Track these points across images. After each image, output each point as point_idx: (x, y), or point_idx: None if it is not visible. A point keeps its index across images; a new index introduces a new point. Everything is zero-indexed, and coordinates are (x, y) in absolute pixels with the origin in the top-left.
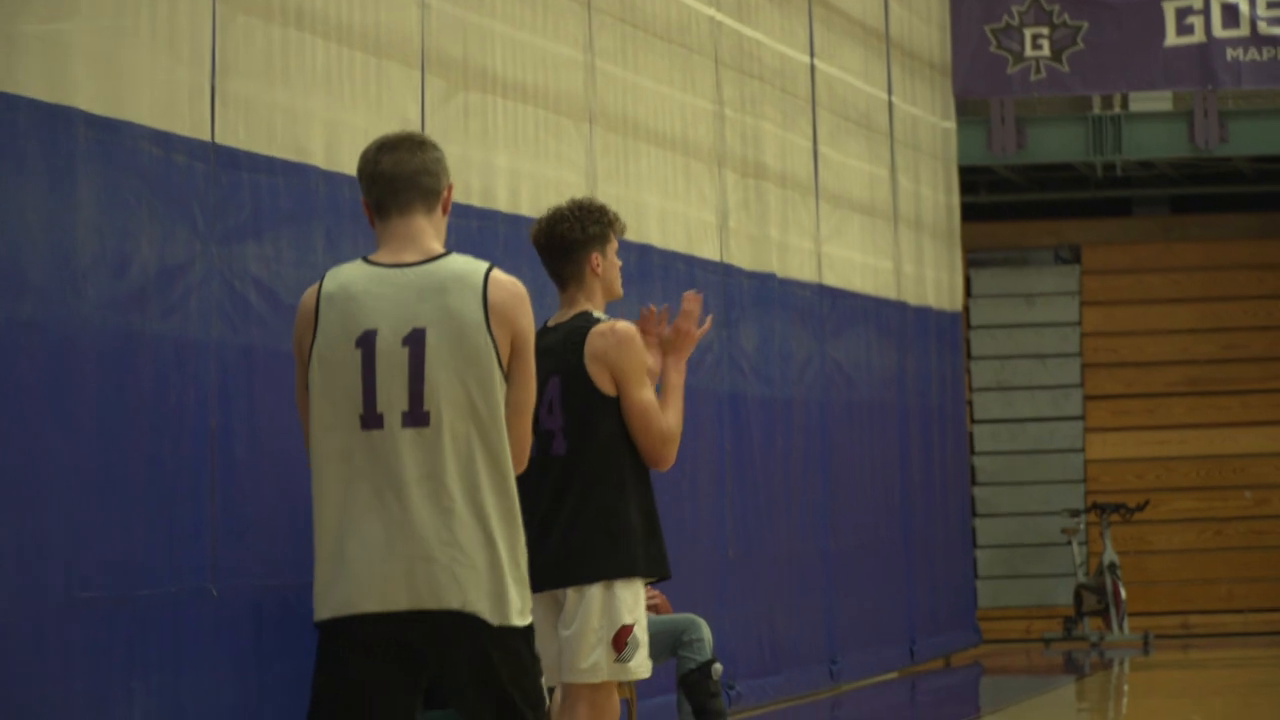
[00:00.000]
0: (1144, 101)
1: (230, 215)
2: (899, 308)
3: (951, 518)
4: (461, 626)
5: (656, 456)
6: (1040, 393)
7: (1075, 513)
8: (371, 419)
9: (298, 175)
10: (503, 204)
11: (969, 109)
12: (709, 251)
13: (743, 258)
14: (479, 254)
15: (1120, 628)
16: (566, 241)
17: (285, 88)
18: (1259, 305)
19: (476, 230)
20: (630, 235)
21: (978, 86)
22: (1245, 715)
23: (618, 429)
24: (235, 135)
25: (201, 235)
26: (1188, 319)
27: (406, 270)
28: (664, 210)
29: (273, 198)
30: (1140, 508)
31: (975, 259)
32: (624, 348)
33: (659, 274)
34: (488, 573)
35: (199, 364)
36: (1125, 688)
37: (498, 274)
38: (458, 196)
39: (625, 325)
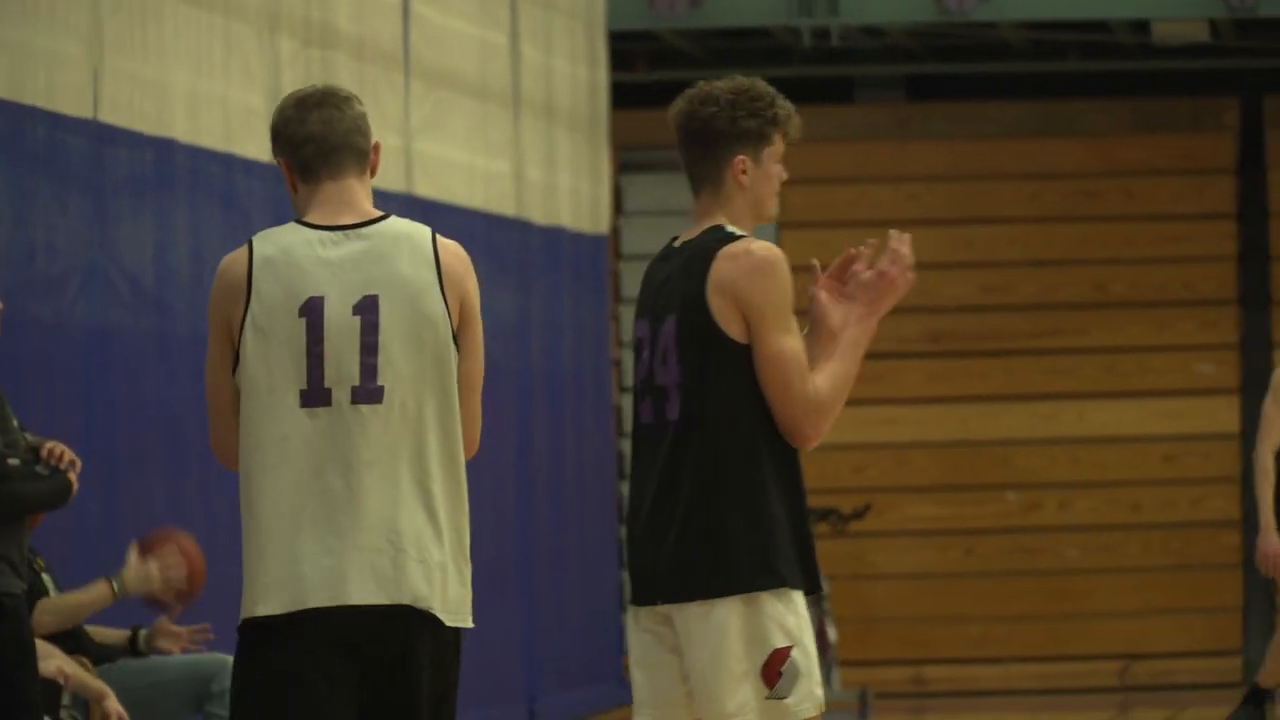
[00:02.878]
0: None
1: None
2: (519, 228)
3: (589, 526)
4: (412, 623)
5: (794, 429)
6: None
7: None
8: (316, 395)
9: None
10: None
11: None
12: (256, 149)
13: None
14: None
15: (828, 681)
16: (709, 131)
17: None
18: (1030, 231)
19: None
20: (145, 125)
21: None
22: None
23: (752, 387)
24: None
25: None
26: (930, 249)
27: (349, 233)
28: (195, 92)
29: None
30: (859, 514)
31: (630, 161)
32: (760, 275)
33: (185, 180)
34: (439, 567)
35: None
36: None
37: (443, 238)
38: None
39: (765, 246)
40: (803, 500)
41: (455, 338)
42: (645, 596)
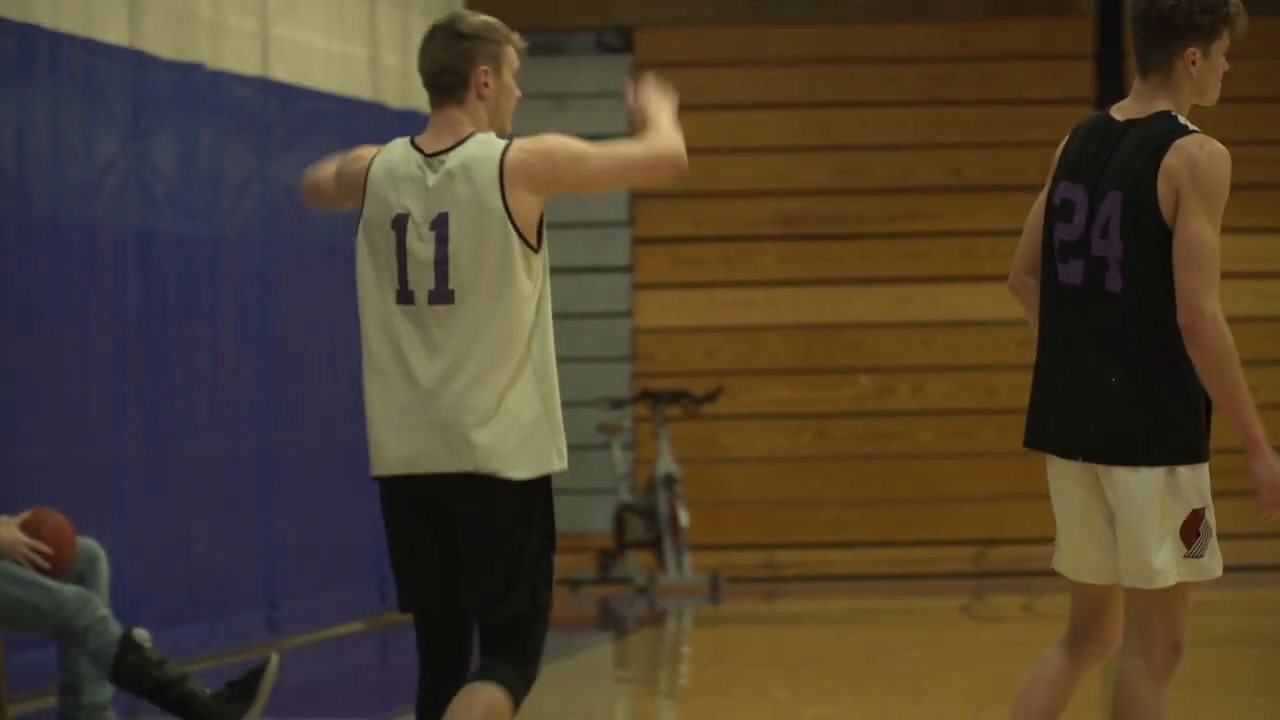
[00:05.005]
0: None
1: None
2: (376, 111)
3: (346, 413)
4: (473, 485)
5: (1190, 310)
6: (573, 233)
7: (618, 403)
8: (405, 295)
9: None
10: None
11: None
12: (115, 34)
13: (160, 41)
14: None
15: (679, 566)
16: (1165, 23)
17: None
18: (885, 115)
19: None
20: (9, 10)
21: None
22: (850, 691)
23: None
24: None
25: None
26: (784, 132)
27: (437, 158)
28: None
29: None
30: (711, 397)
31: None
32: (1207, 163)
33: (47, 64)
34: (498, 436)
35: None
36: (685, 650)
37: (516, 145)
38: None
39: (1218, 145)
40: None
41: (524, 237)
42: (1070, 450)
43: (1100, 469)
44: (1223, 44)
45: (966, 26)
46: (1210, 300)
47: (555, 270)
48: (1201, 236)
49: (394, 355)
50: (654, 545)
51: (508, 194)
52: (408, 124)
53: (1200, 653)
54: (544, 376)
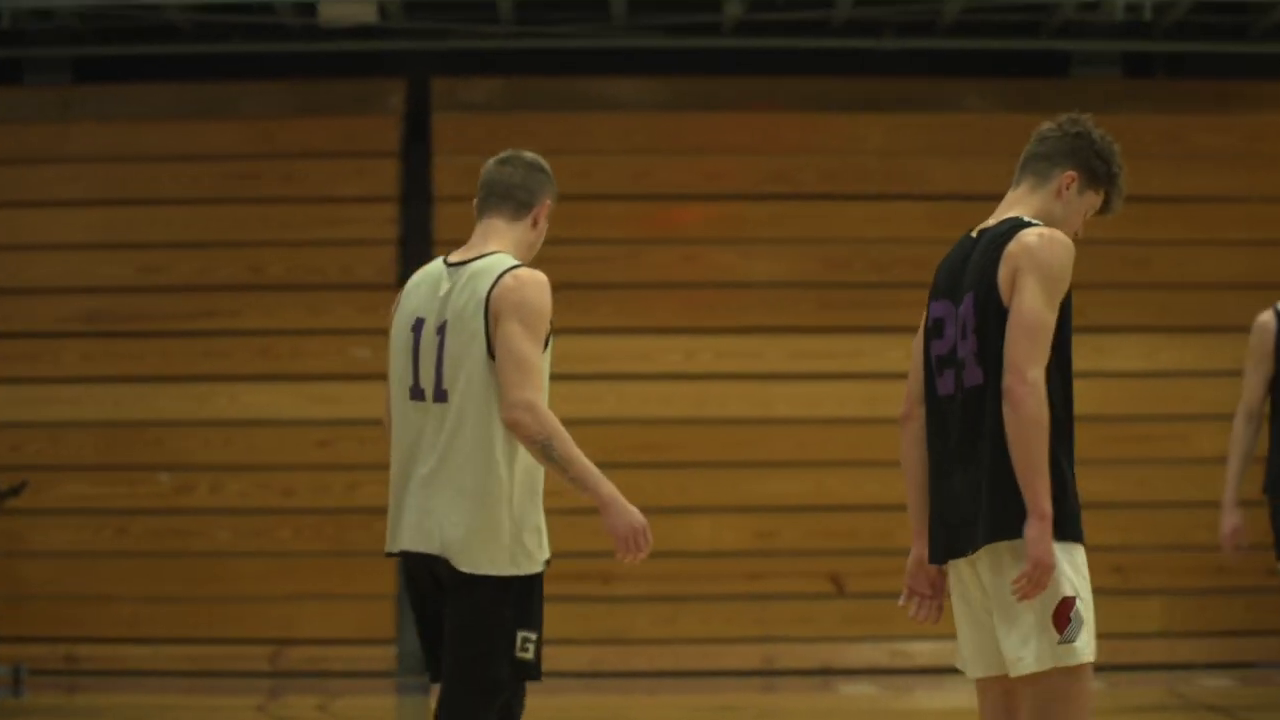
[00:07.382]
0: None
1: None
2: None
3: None
4: (443, 568)
5: (1013, 378)
6: None
7: None
8: (416, 392)
9: None
10: None
11: None
12: None
13: None
14: None
15: None
16: (1064, 145)
17: None
18: (187, 213)
19: None
20: None
21: None
22: None
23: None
24: None
25: None
26: (88, 230)
27: (458, 268)
28: None
29: None
30: (15, 491)
31: None
32: (1045, 247)
33: None
34: (460, 526)
35: None
36: None
37: (515, 273)
38: None
39: (1064, 237)
40: (1073, 460)
41: (495, 352)
42: (958, 549)
43: (979, 561)
44: (1095, 198)
45: (269, 125)
46: (1035, 369)
47: None
48: (1033, 308)
49: (400, 443)
50: None
51: (489, 317)
52: None
53: None
54: (517, 483)
